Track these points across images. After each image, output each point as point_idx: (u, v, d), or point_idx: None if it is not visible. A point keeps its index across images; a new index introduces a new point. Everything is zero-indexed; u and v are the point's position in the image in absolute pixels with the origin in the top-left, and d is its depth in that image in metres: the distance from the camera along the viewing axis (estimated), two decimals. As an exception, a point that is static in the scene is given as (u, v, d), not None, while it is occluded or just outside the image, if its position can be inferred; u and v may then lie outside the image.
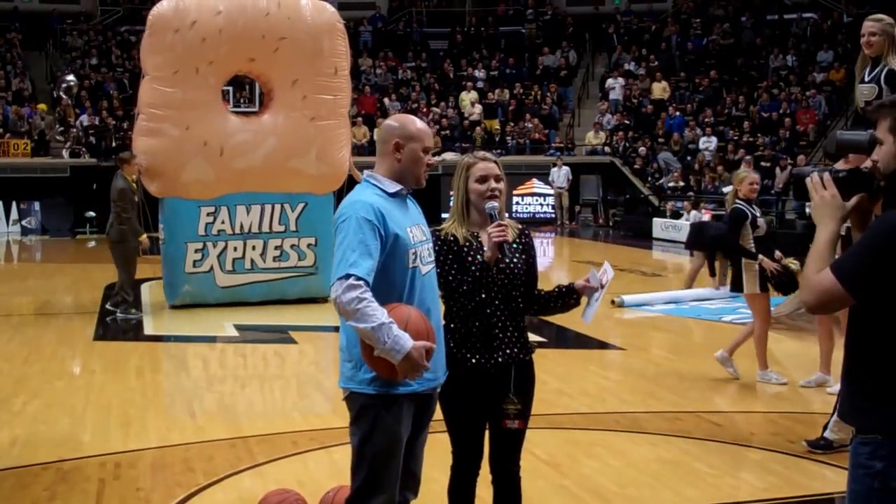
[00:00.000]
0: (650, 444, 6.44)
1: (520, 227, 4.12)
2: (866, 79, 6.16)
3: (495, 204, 3.95)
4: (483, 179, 3.97)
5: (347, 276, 3.39)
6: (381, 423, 3.58)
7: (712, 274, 12.75)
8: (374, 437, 3.58)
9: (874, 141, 2.88)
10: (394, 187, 3.68)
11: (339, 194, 12.41)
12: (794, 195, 3.19)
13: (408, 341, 3.39)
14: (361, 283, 3.39)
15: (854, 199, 2.87)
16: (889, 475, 2.71)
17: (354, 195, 3.65)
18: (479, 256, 3.94)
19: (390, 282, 3.56)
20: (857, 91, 6.26)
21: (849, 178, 2.87)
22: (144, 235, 11.49)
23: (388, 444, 3.59)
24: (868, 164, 2.91)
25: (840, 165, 7.50)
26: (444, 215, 22.35)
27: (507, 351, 3.95)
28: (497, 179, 3.98)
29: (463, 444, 4.03)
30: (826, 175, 2.87)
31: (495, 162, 4.03)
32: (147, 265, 15.25)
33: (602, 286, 4.01)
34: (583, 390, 8.01)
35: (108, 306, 11.69)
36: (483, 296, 3.92)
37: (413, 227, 3.69)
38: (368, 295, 3.39)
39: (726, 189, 19.31)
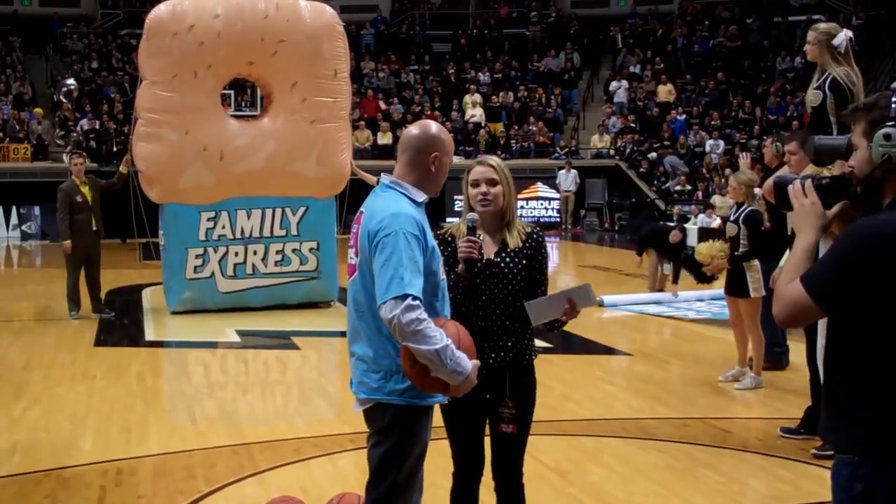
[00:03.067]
0: (658, 451, 6.38)
1: (528, 230, 4.04)
2: (815, 84, 6.21)
3: (475, 216, 3.92)
4: (475, 184, 3.97)
5: (405, 297, 3.29)
6: (413, 434, 3.55)
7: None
8: (407, 447, 3.54)
9: (851, 146, 2.79)
10: (421, 196, 3.59)
11: (342, 198, 12.34)
12: (776, 203, 3.12)
13: (468, 362, 3.38)
14: (418, 302, 3.31)
15: (836, 207, 2.78)
16: (871, 496, 2.58)
17: (391, 205, 3.49)
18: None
19: (427, 294, 3.45)
20: (807, 94, 6.34)
21: (830, 185, 2.80)
22: (68, 242, 11.40)
23: (419, 454, 3.58)
24: (846, 169, 2.83)
25: (745, 168, 7.43)
26: (448, 219, 22.41)
27: (502, 354, 3.92)
28: (491, 183, 3.93)
29: (461, 446, 4.00)
30: (808, 182, 2.78)
31: (492, 166, 3.96)
32: (148, 270, 15.23)
33: (567, 302, 3.90)
34: (589, 396, 7.95)
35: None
36: (469, 298, 3.89)
37: None
38: (426, 315, 3.32)
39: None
